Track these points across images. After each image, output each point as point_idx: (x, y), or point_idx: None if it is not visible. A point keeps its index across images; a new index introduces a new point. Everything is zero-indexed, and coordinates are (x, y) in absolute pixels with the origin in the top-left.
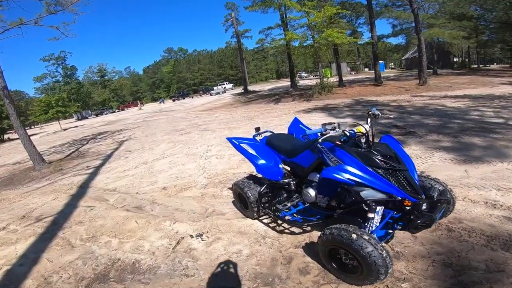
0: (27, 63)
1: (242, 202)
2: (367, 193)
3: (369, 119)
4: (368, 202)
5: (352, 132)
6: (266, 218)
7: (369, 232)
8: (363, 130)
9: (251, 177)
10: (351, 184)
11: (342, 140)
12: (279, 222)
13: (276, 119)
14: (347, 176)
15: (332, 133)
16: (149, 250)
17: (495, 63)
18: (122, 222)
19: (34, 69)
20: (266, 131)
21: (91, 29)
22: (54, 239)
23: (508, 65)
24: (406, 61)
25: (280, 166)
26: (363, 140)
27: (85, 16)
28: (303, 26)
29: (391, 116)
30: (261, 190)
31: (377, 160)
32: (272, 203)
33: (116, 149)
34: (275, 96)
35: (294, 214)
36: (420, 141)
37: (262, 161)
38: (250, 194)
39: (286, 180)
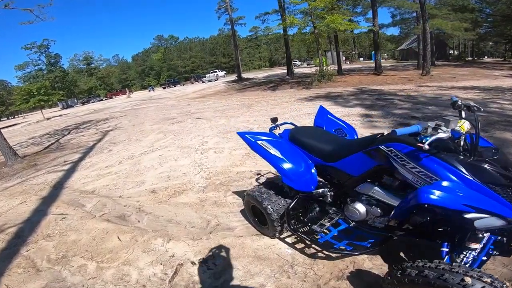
0: (11, 51)
1: (257, 216)
2: (486, 222)
3: (463, 113)
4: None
5: (457, 131)
6: (289, 236)
7: (462, 264)
8: (466, 128)
9: (268, 183)
10: (465, 211)
11: (423, 141)
12: (307, 241)
13: (277, 108)
14: (464, 202)
15: (440, 134)
16: (138, 282)
17: (485, 56)
18: (100, 238)
19: (19, 57)
20: (286, 123)
21: (77, 16)
22: (16, 258)
23: (502, 59)
24: (401, 52)
25: (313, 171)
26: (462, 143)
27: (72, 2)
28: (302, 11)
29: (482, 109)
30: (290, 206)
31: (498, 175)
32: (305, 222)
33: (99, 140)
34: (272, 84)
35: (336, 237)
36: None
37: (289, 166)
38: (272, 210)
39: (321, 191)
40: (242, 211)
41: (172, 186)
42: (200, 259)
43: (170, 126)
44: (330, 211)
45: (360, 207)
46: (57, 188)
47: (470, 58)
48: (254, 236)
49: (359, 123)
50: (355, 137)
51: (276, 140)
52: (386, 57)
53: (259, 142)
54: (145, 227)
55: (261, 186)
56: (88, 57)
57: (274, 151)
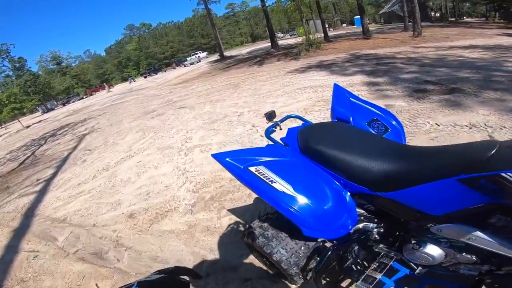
0: None
1: (265, 257)
2: None
3: None
4: None
5: None
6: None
7: None
8: None
9: (274, 219)
10: None
11: None
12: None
13: (267, 84)
14: None
15: None
16: None
17: (464, 17)
18: (77, 286)
19: None
20: (289, 116)
21: (38, 16)
22: None
23: (484, 19)
24: (384, 15)
25: (348, 200)
26: None
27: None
28: None
29: None
30: (320, 266)
31: None
32: (340, 272)
33: (74, 148)
34: (257, 58)
35: None
36: (482, 102)
37: (310, 206)
38: (288, 264)
39: (362, 226)
40: (243, 238)
41: (153, 207)
42: None
43: (149, 122)
44: (376, 249)
45: (435, 251)
46: (28, 216)
47: (453, 19)
48: (265, 280)
49: (367, 93)
50: (395, 124)
51: (281, 160)
52: (368, 21)
53: (252, 168)
54: (126, 268)
55: (266, 224)
56: (56, 56)
57: (280, 185)
